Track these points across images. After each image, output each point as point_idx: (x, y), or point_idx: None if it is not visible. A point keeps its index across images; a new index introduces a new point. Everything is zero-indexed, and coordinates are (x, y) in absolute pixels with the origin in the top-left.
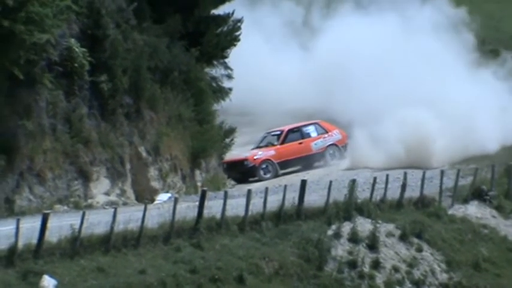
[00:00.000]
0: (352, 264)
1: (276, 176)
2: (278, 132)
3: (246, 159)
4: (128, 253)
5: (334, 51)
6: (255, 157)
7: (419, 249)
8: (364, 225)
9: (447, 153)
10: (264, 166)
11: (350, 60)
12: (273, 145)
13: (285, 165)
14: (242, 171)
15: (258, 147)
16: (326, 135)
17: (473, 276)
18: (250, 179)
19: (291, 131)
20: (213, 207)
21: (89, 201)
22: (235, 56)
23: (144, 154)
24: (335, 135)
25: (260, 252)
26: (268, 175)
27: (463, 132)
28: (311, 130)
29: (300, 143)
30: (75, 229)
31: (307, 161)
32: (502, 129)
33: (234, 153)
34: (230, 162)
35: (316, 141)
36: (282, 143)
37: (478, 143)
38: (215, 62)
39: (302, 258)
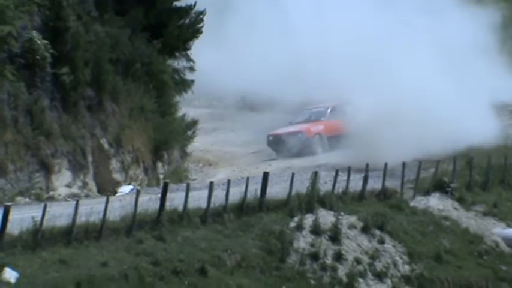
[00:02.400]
0: (314, 256)
1: (325, 151)
2: (321, 109)
3: (300, 132)
4: (89, 245)
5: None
6: (311, 129)
7: (381, 241)
8: (326, 218)
9: (398, 151)
10: (316, 140)
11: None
12: (320, 120)
13: (332, 141)
14: (294, 144)
15: (299, 122)
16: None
17: (435, 268)
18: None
19: (334, 107)
20: (175, 199)
21: (51, 193)
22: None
23: (106, 146)
24: None
25: (222, 244)
26: (319, 149)
27: (422, 127)
28: (337, 111)
29: (333, 123)
30: (36, 221)
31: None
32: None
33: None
34: (280, 134)
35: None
36: (329, 119)
37: (439, 142)
38: (177, 54)
39: (264, 251)
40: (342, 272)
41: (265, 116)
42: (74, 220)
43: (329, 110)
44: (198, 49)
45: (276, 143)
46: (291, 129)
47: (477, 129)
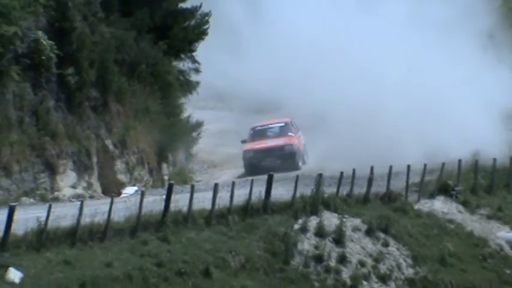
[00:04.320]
0: (318, 259)
1: (303, 164)
2: (281, 124)
3: (289, 144)
4: (94, 246)
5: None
6: (295, 142)
7: (386, 244)
8: (330, 220)
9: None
10: (299, 153)
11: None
12: (288, 135)
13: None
14: (282, 157)
15: (261, 139)
16: (300, 133)
17: (439, 271)
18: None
19: (291, 123)
20: (180, 200)
21: (56, 194)
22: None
23: (111, 147)
24: (302, 135)
25: (227, 246)
26: (300, 162)
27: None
28: (295, 126)
29: (299, 136)
30: (41, 222)
31: (303, 156)
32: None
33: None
34: (265, 148)
35: (302, 137)
36: (294, 133)
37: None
38: (183, 56)
39: (268, 252)
40: (346, 274)
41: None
42: (78, 221)
43: (290, 125)
44: (205, 50)
45: (259, 158)
46: (272, 143)
47: (483, 133)
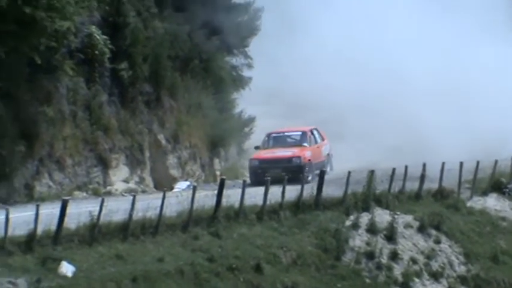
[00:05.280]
0: (370, 255)
1: (313, 179)
2: (299, 133)
3: (297, 156)
4: (146, 241)
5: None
6: (305, 155)
7: (438, 241)
8: (382, 216)
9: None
10: (309, 166)
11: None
12: (303, 146)
13: (316, 168)
14: (288, 170)
15: (276, 147)
16: (324, 142)
17: (491, 268)
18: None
19: (312, 132)
20: (232, 196)
21: (108, 188)
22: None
23: (163, 142)
24: (327, 144)
25: (278, 241)
26: (310, 177)
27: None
28: (317, 135)
29: (318, 147)
30: (93, 216)
31: (322, 168)
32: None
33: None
34: (271, 159)
35: (324, 147)
36: (310, 144)
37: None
38: (235, 51)
39: (320, 248)
40: (397, 271)
41: (322, 115)
42: (130, 215)
43: (309, 134)
44: (258, 46)
45: (264, 169)
46: (280, 153)
47: None
